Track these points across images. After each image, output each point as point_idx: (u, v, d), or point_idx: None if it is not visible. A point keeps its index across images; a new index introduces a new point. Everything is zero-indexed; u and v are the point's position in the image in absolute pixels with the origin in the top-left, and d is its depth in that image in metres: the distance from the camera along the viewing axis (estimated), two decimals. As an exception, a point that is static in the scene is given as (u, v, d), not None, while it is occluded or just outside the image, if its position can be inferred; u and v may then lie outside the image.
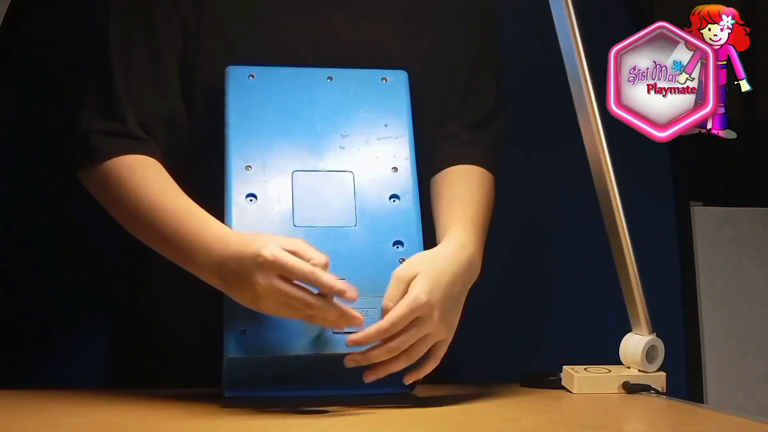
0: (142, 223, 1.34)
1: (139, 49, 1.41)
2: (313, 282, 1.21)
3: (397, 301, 1.25)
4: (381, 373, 1.27)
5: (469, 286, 1.34)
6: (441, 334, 1.29)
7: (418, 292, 1.26)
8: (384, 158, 1.38)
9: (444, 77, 1.50)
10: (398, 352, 1.26)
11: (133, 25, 1.41)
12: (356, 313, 1.23)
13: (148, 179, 1.35)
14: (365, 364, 1.26)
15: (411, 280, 1.27)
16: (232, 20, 1.42)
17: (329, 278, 1.22)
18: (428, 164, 1.47)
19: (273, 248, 1.22)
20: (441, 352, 1.30)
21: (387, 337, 1.25)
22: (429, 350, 1.29)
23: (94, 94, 1.41)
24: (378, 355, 1.26)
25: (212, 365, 1.29)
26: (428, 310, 1.26)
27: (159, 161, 1.38)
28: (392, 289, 1.27)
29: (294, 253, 1.22)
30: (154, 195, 1.33)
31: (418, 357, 1.28)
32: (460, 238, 1.35)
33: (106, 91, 1.40)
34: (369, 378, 1.27)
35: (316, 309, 1.22)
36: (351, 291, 1.23)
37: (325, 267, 1.23)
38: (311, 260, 1.22)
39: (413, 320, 1.25)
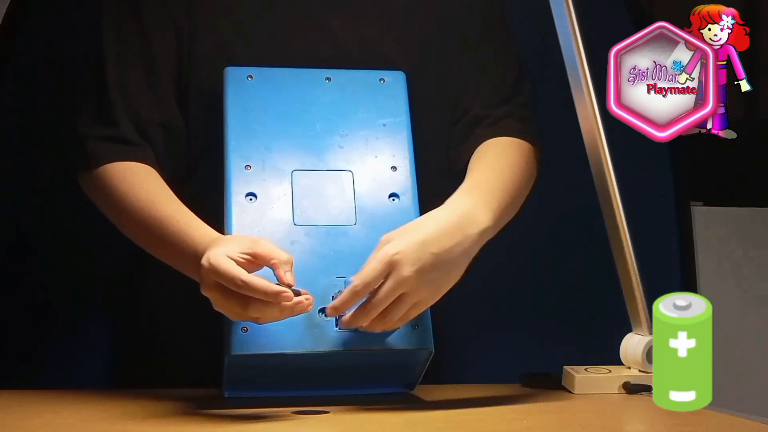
0: (133, 229, 1.37)
1: (133, 55, 1.42)
2: (246, 292, 1.19)
3: None
4: (361, 329, 1.25)
5: (468, 248, 1.29)
6: (420, 294, 1.25)
7: (388, 247, 1.24)
8: (383, 158, 1.38)
9: (452, 65, 1.49)
10: (375, 313, 1.23)
11: (127, 31, 1.43)
12: (280, 288, 1.18)
13: (136, 186, 1.36)
14: (345, 325, 1.25)
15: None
16: (226, 24, 1.43)
17: (261, 285, 1.18)
18: (434, 161, 1.46)
19: (214, 255, 1.20)
20: (415, 313, 1.26)
21: (365, 299, 1.23)
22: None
23: (90, 100, 1.43)
24: (355, 319, 1.24)
25: (212, 365, 1.29)
26: (399, 266, 1.22)
27: (152, 166, 1.40)
28: (371, 256, 1.25)
29: (253, 256, 1.21)
30: (141, 202, 1.34)
31: (394, 319, 1.24)
32: (453, 200, 1.32)
33: (101, 97, 1.42)
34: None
35: (254, 311, 1.19)
36: (285, 295, 1.19)
37: (287, 265, 1.21)
38: (272, 260, 1.21)
39: (390, 279, 1.23)
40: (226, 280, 1.19)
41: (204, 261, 1.21)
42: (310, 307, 1.21)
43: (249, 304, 1.19)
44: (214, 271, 1.20)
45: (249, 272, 1.20)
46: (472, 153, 1.45)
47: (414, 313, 1.26)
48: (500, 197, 1.36)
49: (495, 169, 1.39)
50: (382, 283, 1.23)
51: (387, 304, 1.23)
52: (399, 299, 1.24)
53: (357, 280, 1.23)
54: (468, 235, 1.29)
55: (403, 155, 1.39)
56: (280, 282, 1.20)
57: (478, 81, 1.49)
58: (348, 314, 1.24)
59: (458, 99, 1.50)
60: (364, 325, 1.24)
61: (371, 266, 1.23)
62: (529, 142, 1.47)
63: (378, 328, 1.25)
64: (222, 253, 1.21)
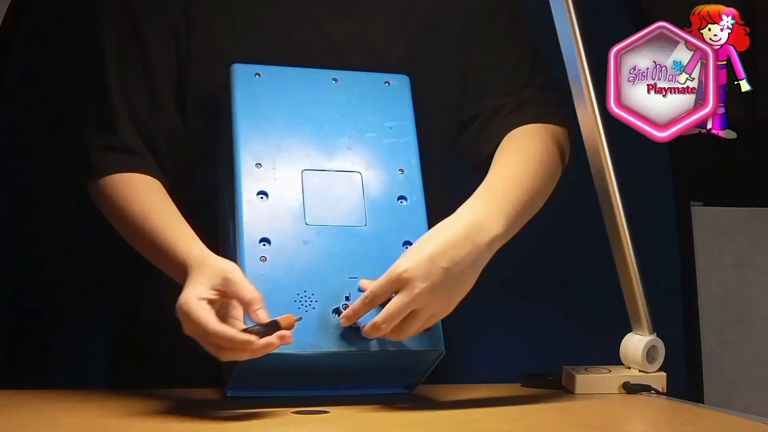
0: (131, 240, 1.38)
1: (132, 61, 1.43)
2: (214, 341, 1.19)
3: None
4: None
5: (478, 258, 1.28)
6: (433, 308, 1.25)
7: (397, 264, 1.24)
8: (391, 160, 1.38)
9: (456, 63, 1.48)
10: (386, 329, 1.23)
11: (125, 37, 1.43)
12: (247, 337, 1.17)
13: (132, 200, 1.37)
14: (365, 335, 1.25)
15: None
16: (223, 27, 1.43)
17: (228, 334, 1.18)
18: (436, 163, 1.45)
19: (185, 301, 1.20)
20: (430, 324, 1.27)
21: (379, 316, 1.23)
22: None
23: (92, 109, 1.44)
24: (367, 332, 1.24)
25: (212, 365, 1.29)
26: (409, 283, 1.23)
27: (153, 174, 1.40)
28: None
29: (223, 293, 1.21)
30: (137, 217, 1.36)
31: (410, 332, 1.25)
32: (464, 209, 1.31)
33: (102, 104, 1.42)
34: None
35: (227, 355, 1.19)
36: (250, 344, 1.18)
37: (256, 303, 1.20)
38: (242, 299, 1.20)
39: (401, 295, 1.23)
40: (195, 328, 1.20)
41: (178, 304, 1.21)
42: (286, 341, 1.19)
43: (220, 348, 1.19)
44: (186, 319, 1.20)
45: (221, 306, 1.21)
46: (494, 143, 1.43)
47: (429, 324, 1.27)
48: (515, 200, 1.34)
49: (512, 169, 1.37)
50: (395, 298, 1.23)
51: (399, 319, 1.24)
52: (413, 314, 1.24)
53: (368, 291, 1.24)
54: (478, 245, 1.28)
55: (410, 158, 1.39)
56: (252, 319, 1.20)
57: (491, 72, 1.48)
58: (367, 324, 1.24)
59: (471, 95, 1.48)
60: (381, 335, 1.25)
61: (380, 281, 1.24)
62: (555, 124, 1.44)
63: (395, 338, 1.26)
64: (194, 296, 1.21)
